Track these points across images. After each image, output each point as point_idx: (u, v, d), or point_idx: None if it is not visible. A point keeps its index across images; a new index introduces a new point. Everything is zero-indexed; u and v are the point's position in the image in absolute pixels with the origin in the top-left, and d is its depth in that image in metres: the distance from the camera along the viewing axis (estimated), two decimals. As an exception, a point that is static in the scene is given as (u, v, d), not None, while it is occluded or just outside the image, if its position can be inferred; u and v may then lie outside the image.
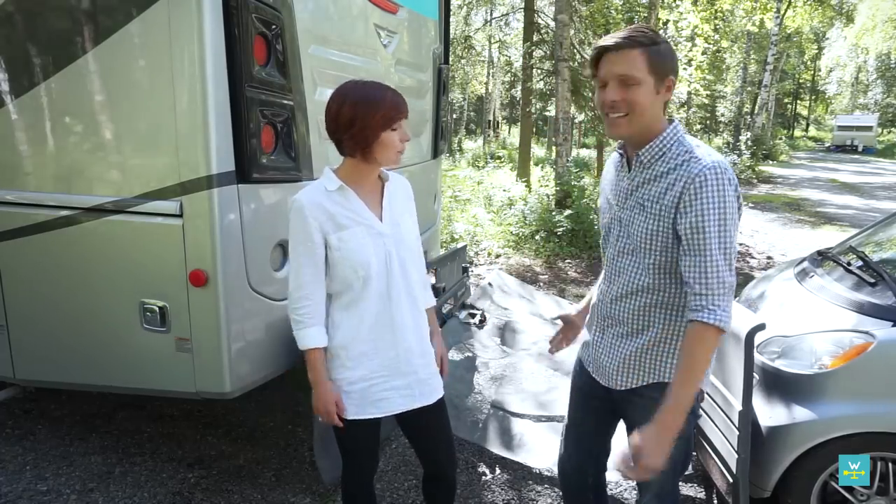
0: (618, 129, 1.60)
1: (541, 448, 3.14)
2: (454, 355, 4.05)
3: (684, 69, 11.82)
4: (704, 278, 1.49)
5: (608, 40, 1.55)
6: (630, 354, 1.70)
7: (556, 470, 2.83)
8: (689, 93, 16.37)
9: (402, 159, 1.80)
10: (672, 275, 1.61)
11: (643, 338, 1.68)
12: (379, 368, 1.84)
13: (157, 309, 2.45)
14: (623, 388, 1.74)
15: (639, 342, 1.69)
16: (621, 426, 1.93)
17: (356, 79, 1.83)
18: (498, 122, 31.72)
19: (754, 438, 2.24)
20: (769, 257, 7.67)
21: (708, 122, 26.43)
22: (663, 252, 1.59)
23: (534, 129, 19.07)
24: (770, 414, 2.38)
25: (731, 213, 1.50)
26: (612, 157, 1.83)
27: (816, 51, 38.65)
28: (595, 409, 1.92)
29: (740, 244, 8.26)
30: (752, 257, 7.68)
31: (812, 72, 43.80)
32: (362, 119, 1.71)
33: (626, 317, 1.70)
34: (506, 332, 4.65)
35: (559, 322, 2.14)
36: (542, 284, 6.35)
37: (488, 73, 27.77)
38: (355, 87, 1.76)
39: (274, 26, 2.42)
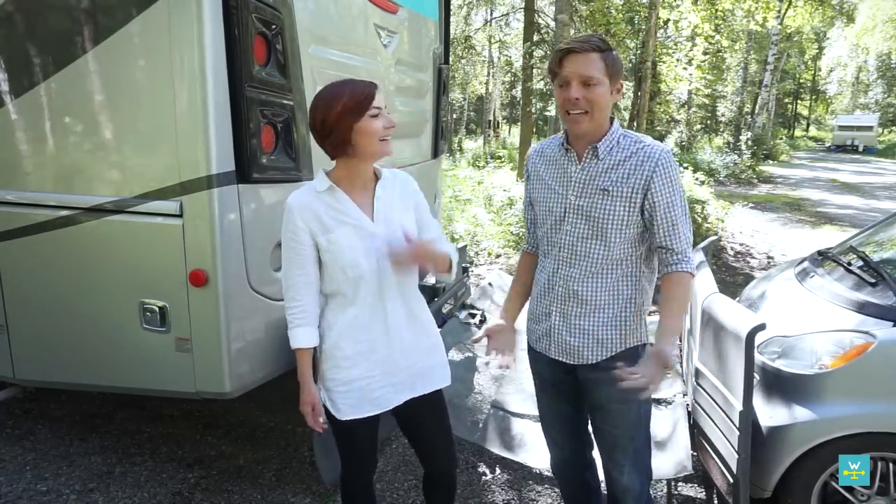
0: (579, 126, 1.74)
1: (541, 448, 3.12)
2: (454, 355, 4.05)
3: (684, 69, 11.83)
4: (678, 239, 1.77)
5: (572, 44, 1.70)
6: (599, 328, 1.83)
7: (556, 470, 2.83)
8: (690, 92, 16.38)
9: (392, 150, 1.76)
10: (635, 245, 1.81)
11: (610, 311, 1.83)
12: (374, 367, 1.83)
13: (156, 309, 2.45)
14: (592, 363, 1.85)
15: (607, 315, 1.83)
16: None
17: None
18: (498, 122, 31.67)
19: (754, 438, 2.24)
20: (770, 257, 7.67)
21: (708, 121, 26.38)
22: (628, 227, 1.78)
23: (534, 129, 19.04)
24: (770, 414, 2.38)
25: (681, 184, 1.80)
26: (544, 151, 1.93)
27: (817, 50, 38.59)
28: (563, 391, 1.98)
29: (741, 244, 8.34)
30: (753, 257, 7.68)
31: (812, 71, 43.72)
32: (327, 117, 1.69)
33: (594, 295, 1.82)
34: (506, 332, 4.64)
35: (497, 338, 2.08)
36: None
37: (488, 73, 27.74)
38: (320, 92, 1.75)
39: (274, 26, 2.42)
